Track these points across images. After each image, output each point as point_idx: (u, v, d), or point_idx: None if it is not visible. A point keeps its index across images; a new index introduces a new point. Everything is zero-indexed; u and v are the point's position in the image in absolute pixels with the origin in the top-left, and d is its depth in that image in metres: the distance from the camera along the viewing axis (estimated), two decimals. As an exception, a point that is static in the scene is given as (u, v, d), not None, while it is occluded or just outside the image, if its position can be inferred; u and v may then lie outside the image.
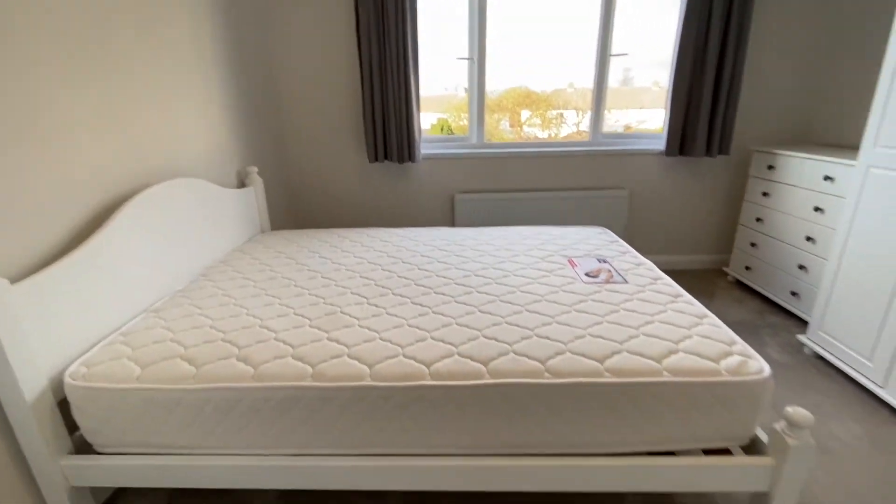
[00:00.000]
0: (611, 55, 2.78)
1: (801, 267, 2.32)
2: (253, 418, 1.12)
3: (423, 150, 2.90)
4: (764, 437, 1.17)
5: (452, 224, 3.06)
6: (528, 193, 2.95)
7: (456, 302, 1.46)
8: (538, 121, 3.13)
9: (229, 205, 2.11)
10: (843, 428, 1.63)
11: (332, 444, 1.15)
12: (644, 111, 3.05)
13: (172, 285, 1.64)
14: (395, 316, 1.38)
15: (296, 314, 1.40)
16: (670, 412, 1.11)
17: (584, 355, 1.15)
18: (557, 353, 1.16)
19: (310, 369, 1.13)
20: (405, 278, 1.67)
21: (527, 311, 1.39)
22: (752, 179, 2.68)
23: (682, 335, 1.24)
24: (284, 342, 1.24)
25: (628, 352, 1.17)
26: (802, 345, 2.13)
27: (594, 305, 1.42)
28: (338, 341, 1.24)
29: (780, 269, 2.48)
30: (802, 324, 2.33)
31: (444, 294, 1.52)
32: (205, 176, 2.03)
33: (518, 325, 1.30)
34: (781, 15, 2.61)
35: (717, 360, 1.14)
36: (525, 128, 3.15)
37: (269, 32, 2.68)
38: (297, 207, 3.07)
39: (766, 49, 2.68)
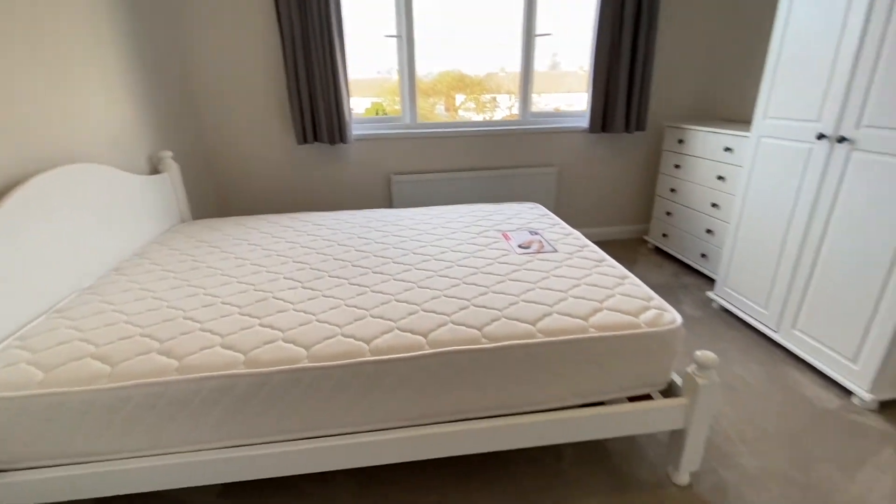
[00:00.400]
0: (535, 35, 2.86)
1: (709, 231, 2.57)
2: (180, 413, 1.05)
3: (356, 130, 2.83)
4: (678, 380, 1.30)
5: (391, 206, 3.03)
6: (463, 173, 2.99)
7: (395, 280, 1.46)
8: (473, 105, 3.16)
9: (141, 193, 1.93)
10: (745, 369, 1.86)
11: (273, 432, 1.11)
12: (571, 95, 3.18)
13: (78, 283, 1.48)
14: (332, 297, 1.35)
15: (223, 303, 1.33)
16: (597, 365, 1.19)
17: (518, 320, 1.21)
18: (493, 320, 1.20)
19: (241, 357, 1.08)
20: (341, 260, 1.64)
21: (464, 283, 1.42)
22: (665, 153, 2.91)
23: (606, 294, 1.34)
24: (212, 332, 1.17)
25: (558, 313, 1.24)
26: (711, 300, 2.38)
27: (527, 274, 1.48)
28: (271, 326, 1.20)
29: (691, 234, 2.72)
30: (711, 282, 2.59)
31: (382, 273, 1.51)
32: (109, 162, 1.83)
33: (456, 297, 1.32)
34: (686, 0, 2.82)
35: (636, 315, 1.24)
36: (460, 112, 3.16)
37: (181, 5, 2.45)
38: (223, 195, 2.88)
39: (674, 32, 2.89)
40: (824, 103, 1.68)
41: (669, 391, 1.32)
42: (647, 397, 1.31)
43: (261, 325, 1.21)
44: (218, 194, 2.87)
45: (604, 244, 3.26)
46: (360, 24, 2.73)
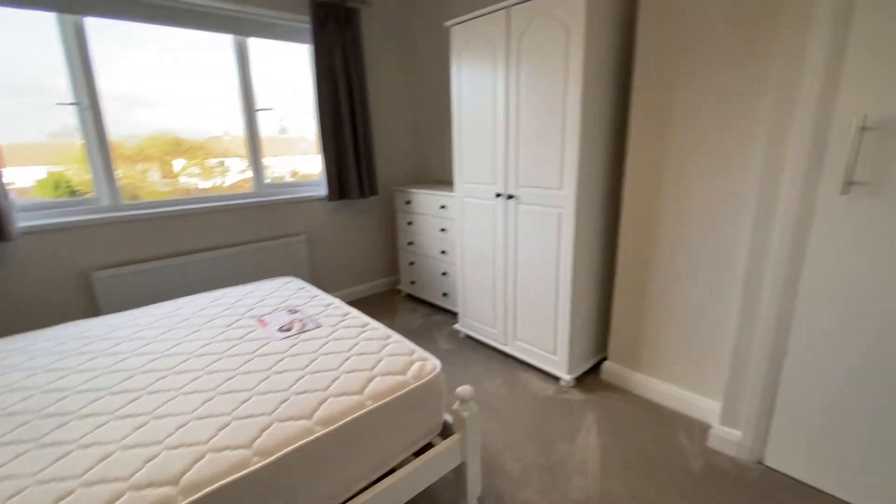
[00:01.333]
0: (256, 110, 2.84)
1: (444, 273, 3.04)
2: None
3: (25, 220, 2.10)
4: (449, 418, 1.46)
5: (96, 312, 2.34)
6: (197, 255, 2.61)
7: (116, 419, 1.12)
8: (197, 170, 2.82)
9: None
10: (491, 383, 2.24)
11: None
12: (305, 157, 3.25)
13: None
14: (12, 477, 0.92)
15: None
16: (383, 434, 1.22)
17: (291, 418, 1.11)
18: (264, 430, 1.07)
19: None
20: (17, 415, 1.15)
21: (219, 394, 1.22)
22: (399, 213, 3.32)
23: (375, 360, 1.39)
24: None
25: (334, 396, 1.21)
26: (458, 332, 2.80)
27: (294, 361, 1.39)
28: None
29: (432, 278, 3.16)
30: (455, 316, 3.06)
31: (94, 415, 1.14)
32: None
33: (212, 415, 1.12)
34: (388, 76, 3.36)
35: (404, 372, 1.33)
36: (182, 178, 2.77)
37: None
38: None
39: (385, 107, 3.39)
40: (495, 171, 2.28)
41: (444, 431, 1.46)
42: (429, 445, 1.41)
43: None
44: None
45: (363, 300, 3.41)
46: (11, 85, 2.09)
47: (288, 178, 3.18)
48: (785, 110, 1.39)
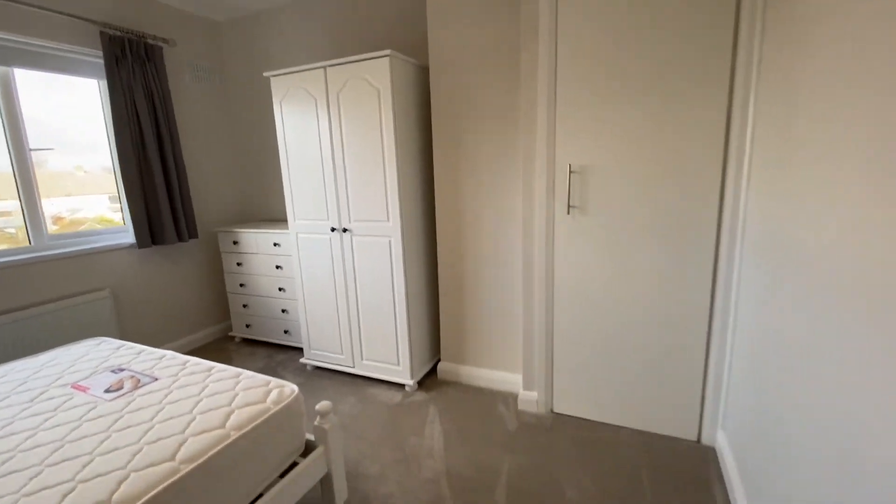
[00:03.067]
0: (31, 150, 2.42)
1: (284, 311, 3.06)
2: None
3: None
4: (311, 436, 1.59)
5: None
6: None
7: None
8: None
9: None
10: (346, 403, 2.39)
11: None
12: (103, 201, 2.85)
13: None
14: None
15: None
16: (250, 461, 1.29)
17: (152, 464, 1.11)
18: (122, 482, 1.05)
19: None
20: None
21: (48, 466, 1.11)
22: (225, 254, 3.19)
23: (231, 396, 1.44)
24: None
25: (193, 435, 1.24)
26: (305, 365, 2.85)
27: (136, 416, 1.34)
28: None
29: (270, 318, 3.13)
30: (300, 350, 3.08)
31: None
32: None
33: (47, 488, 1.03)
34: (202, 117, 3.24)
35: (264, 400, 1.43)
36: None
37: None
38: None
39: (202, 145, 3.24)
40: (328, 208, 2.49)
41: (307, 449, 1.59)
42: (294, 464, 1.52)
43: None
44: None
45: (194, 352, 3.12)
46: None
47: (85, 226, 2.74)
48: (529, 156, 2.02)
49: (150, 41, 2.75)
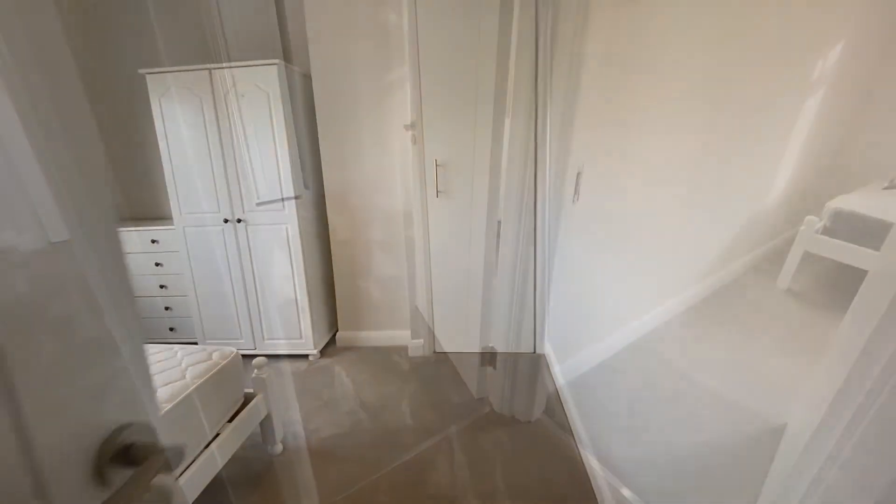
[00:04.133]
0: None
1: (167, 308, 3.05)
2: None
3: None
4: (250, 389, 1.90)
5: None
6: None
7: None
8: None
9: None
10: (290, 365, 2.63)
11: None
12: None
13: None
14: None
15: None
16: (207, 408, 1.58)
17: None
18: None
19: None
20: None
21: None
22: (90, 256, 3.00)
23: (180, 362, 1.68)
24: None
25: (160, 386, 1.48)
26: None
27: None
28: None
29: (153, 317, 3.08)
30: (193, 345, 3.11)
31: None
32: None
33: None
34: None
35: (210, 359, 1.71)
36: None
37: None
38: None
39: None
40: (219, 200, 2.66)
41: (248, 398, 1.89)
42: (238, 413, 1.82)
43: None
44: None
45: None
46: None
47: None
48: (405, 153, 2.58)
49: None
